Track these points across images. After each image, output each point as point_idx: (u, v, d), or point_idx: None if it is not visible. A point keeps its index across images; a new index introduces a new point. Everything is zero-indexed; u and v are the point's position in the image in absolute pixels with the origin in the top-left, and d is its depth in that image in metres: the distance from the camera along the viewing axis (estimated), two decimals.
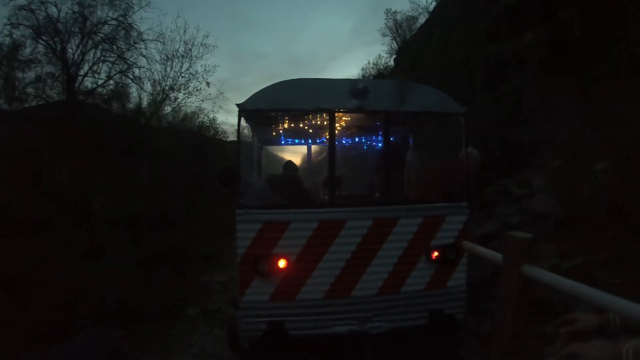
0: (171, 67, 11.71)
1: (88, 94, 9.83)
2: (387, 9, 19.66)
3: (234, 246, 2.77)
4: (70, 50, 9.38)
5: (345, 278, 2.76)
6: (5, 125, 6.89)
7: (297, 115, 3.55)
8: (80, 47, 9.46)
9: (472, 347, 3.07)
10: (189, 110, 13.85)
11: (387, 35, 19.27)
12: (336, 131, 3.56)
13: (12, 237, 4.63)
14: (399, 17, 18.50)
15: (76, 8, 9.24)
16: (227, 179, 2.98)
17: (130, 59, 10.44)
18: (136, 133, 9.61)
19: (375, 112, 3.10)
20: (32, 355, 0.68)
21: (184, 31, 13.68)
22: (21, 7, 8.65)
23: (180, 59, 11.86)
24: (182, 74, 11.88)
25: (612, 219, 3.24)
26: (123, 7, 10.03)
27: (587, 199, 3.66)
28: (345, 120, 3.90)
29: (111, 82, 10.34)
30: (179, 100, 12.13)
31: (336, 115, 3.15)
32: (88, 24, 9.48)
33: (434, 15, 14.74)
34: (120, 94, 10.72)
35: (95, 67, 9.82)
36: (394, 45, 19.06)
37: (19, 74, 8.73)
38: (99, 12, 9.73)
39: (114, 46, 10.03)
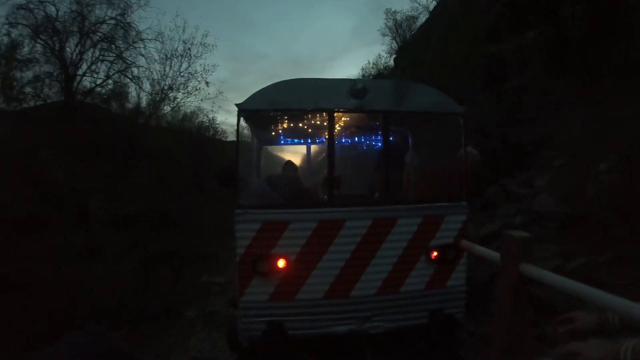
0: (170, 67, 11.73)
1: (86, 93, 9.80)
2: (387, 9, 19.69)
3: (234, 246, 2.77)
4: (68, 49, 9.38)
5: (345, 278, 2.76)
6: (3, 125, 6.86)
7: (296, 115, 3.55)
8: (79, 46, 9.44)
9: (472, 347, 3.06)
10: (188, 110, 13.84)
11: (387, 35, 19.31)
12: (335, 131, 3.56)
13: (10, 238, 4.61)
14: (398, 17, 18.54)
15: (74, 7, 9.22)
16: (227, 178, 2.98)
17: (129, 59, 10.46)
18: (135, 133, 9.58)
19: (375, 111, 3.10)
20: (32, 355, 0.67)
21: (183, 30, 13.74)
22: (20, 7, 8.64)
23: (179, 59, 11.88)
24: (181, 74, 11.90)
25: (616, 219, 3.21)
26: (121, 6, 10.05)
27: (590, 199, 3.63)
28: (344, 120, 3.90)
29: (110, 81, 10.35)
30: (178, 99, 12.12)
31: (335, 115, 3.15)
32: (86, 23, 9.45)
33: (434, 14, 14.75)
34: (119, 93, 10.70)
35: (93, 67, 9.84)
36: (394, 45, 19.09)
37: (17, 74, 8.71)
38: (97, 11, 9.73)
39: (113, 45, 10.03)
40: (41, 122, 7.39)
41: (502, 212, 4.60)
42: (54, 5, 9.05)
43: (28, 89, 8.81)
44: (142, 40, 10.63)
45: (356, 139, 5.33)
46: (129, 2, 10.13)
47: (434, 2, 15.29)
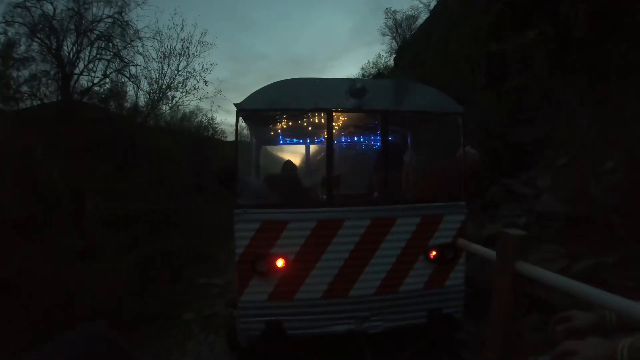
0: (168, 65, 11.65)
1: (84, 93, 9.75)
2: (386, 8, 19.73)
3: (233, 246, 2.77)
4: (65, 48, 9.31)
5: (344, 277, 2.76)
6: (0, 125, 6.82)
7: (295, 114, 3.55)
8: (76, 45, 9.38)
9: (472, 348, 3.06)
10: (187, 110, 13.81)
11: (387, 35, 19.35)
12: (334, 131, 3.56)
13: (7, 239, 4.59)
14: (398, 17, 18.57)
15: (71, 5, 9.17)
16: (226, 178, 2.99)
17: (127, 57, 10.39)
18: (133, 132, 9.55)
19: (373, 111, 3.11)
20: (32, 353, 0.67)
21: (181, 29, 13.63)
22: (16, 5, 8.59)
23: (178, 57, 11.80)
24: (180, 72, 11.82)
25: (620, 220, 3.18)
26: (119, 4, 9.98)
27: (594, 199, 3.60)
28: (343, 119, 3.90)
29: (107, 80, 10.27)
30: (176, 98, 12.07)
31: (334, 114, 3.15)
32: (83, 21, 9.40)
33: (434, 14, 14.76)
34: (117, 92, 10.65)
35: (90, 65, 9.75)
36: (394, 44, 19.12)
37: (14, 73, 8.66)
38: (94, 9, 9.65)
39: (110, 44, 9.96)
40: (38, 121, 7.36)
41: (504, 212, 4.56)
42: (51, 3, 9.02)
43: (25, 88, 8.78)
44: (140, 38, 10.60)
45: (355, 138, 5.33)
46: (126, 0, 10.11)
47: (434, 0, 15.31)
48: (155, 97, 11.57)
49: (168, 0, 12.84)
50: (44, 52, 9.00)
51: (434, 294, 2.89)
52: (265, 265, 2.69)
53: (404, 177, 4.46)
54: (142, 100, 11.62)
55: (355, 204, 2.97)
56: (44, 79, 8.94)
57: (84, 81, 9.84)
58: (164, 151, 10.42)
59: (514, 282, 1.45)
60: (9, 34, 8.65)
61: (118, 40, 10.10)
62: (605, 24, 4.98)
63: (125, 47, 10.26)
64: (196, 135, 13.66)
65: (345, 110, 3.11)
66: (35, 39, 8.92)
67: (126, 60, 10.35)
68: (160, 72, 11.56)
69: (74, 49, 9.38)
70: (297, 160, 5.17)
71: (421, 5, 17.19)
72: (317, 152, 5.78)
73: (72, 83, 9.36)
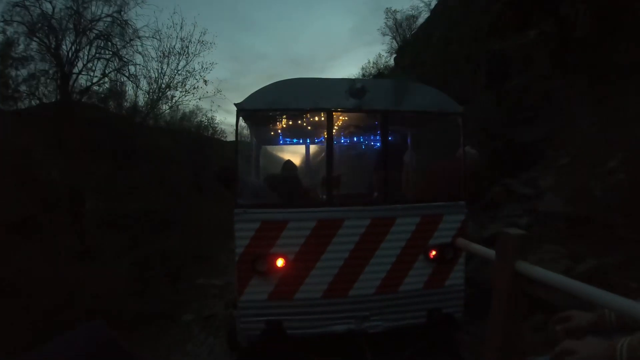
0: (167, 65, 11.62)
1: (83, 92, 9.70)
2: (387, 8, 19.72)
3: (232, 246, 2.77)
4: (64, 47, 9.25)
5: (343, 277, 2.77)
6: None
7: (295, 114, 3.55)
8: (75, 44, 9.31)
9: (472, 348, 3.06)
10: (187, 110, 13.78)
11: (387, 35, 19.36)
12: (334, 131, 3.56)
13: (6, 239, 4.57)
14: (399, 16, 18.58)
15: (70, 4, 9.11)
16: (226, 178, 2.99)
17: (126, 57, 10.33)
18: (132, 132, 9.52)
19: (373, 111, 3.11)
20: (31, 352, 0.67)
21: (181, 28, 13.59)
22: (15, 4, 8.54)
23: (177, 56, 11.78)
24: (179, 72, 11.78)
25: (624, 220, 3.15)
26: (118, 3, 9.92)
27: (597, 200, 3.57)
28: (343, 119, 3.90)
29: (106, 80, 10.21)
30: (175, 98, 12.02)
31: (334, 114, 3.15)
32: (82, 20, 9.35)
33: (434, 13, 14.75)
34: (116, 92, 10.61)
35: (90, 65, 9.69)
36: (394, 44, 19.13)
37: (13, 72, 8.61)
38: (93, 8, 9.59)
39: (109, 43, 9.90)
40: (37, 121, 7.33)
41: (505, 212, 4.52)
42: (50, 2, 8.96)
43: (23, 88, 8.73)
44: (139, 37, 10.54)
45: (355, 138, 5.34)
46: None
47: (435, 0, 15.31)
48: (155, 97, 11.56)
49: (167, 0, 12.80)
50: (42, 51, 8.96)
51: (433, 293, 2.89)
52: (265, 265, 2.69)
53: (404, 177, 4.46)
54: (141, 100, 11.61)
55: (355, 203, 2.97)
56: (42, 79, 8.91)
57: (82, 80, 9.80)
58: (163, 151, 10.39)
59: (513, 282, 1.46)
60: (8, 33, 8.63)
61: (117, 39, 10.07)
62: (606, 24, 4.96)
63: (124, 47, 10.24)
64: (196, 135, 13.63)
65: (345, 110, 3.11)
66: (34, 38, 8.88)
67: (125, 60, 10.32)
68: (160, 71, 11.55)
69: (73, 48, 9.35)
70: (297, 160, 5.17)
71: (421, 5, 17.19)
72: (317, 152, 5.79)
73: (71, 82, 9.31)
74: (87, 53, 9.62)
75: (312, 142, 5.61)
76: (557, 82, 5.42)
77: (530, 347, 2.19)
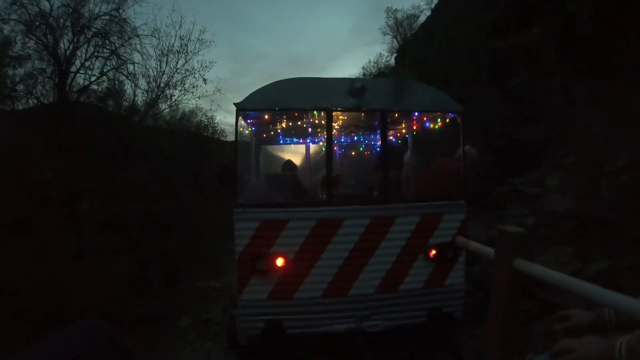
0: (166, 63, 11.54)
1: (81, 91, 9.65)
2: (387, 7, 19.73)
3: (232, 247, 2.77)
4: (62, 45, 9.15)
5: (343, 276, 2.77)
6: None
7: (294, 114, 3.56)
8: (73, 42, 9.21)
9: (472, 348, 3.05)
10: (186, 109, 13.75)
11: (388, 34, 19.35)
12: (334, 130, 3.56)
13: (1, 239, 4.53)
14: (399, 16, 18.58)
15: (67, 1, 9.04)
16: (226, 178, 2.99)
17: (124, 55, 10.24)
18: (131, 131, 9.47)
19: (373, 110, 3.11)
20: (29, 349, 0.66)
21: (180, 26, 13.44)
22: (13, 2, 8.45)
23: (176, 55, 11.68)
24: (178, 70, 11.71)
25: (635, 220, 3.09)
26: (116, 1, 9.79)
27: (605, 199, 3.51)
28: (343, 119, 3.90)
29: (104, 78, 10.14)
30: (175, 97, 11.95)
31: (334, 114, 3.15)
32: (80, 18, 9.27)
33: (435, 12, 14.73)
34: (114, 91, 10.55)
35: (88, 63, 9.60)
36: (395, 43, 19.12)
37: (10, 71, 8.53)
38: (91, 6, 9.47)
39: (107, 41, 9.80)
40: (34, 120, 7.28)
41: (511, 213, 4.48)
42: (48, 0, 8.89)
43: (21, 87, 8.60)
44: (137, 36, 10.44)
45: (355, 138, 5.34)
46: None
47: None
48: (154, 96, 11.51)
49: None
50: (40, 50, 8.85)
51: (433, 293, 2.89)
52: (265, 264, 2.69)
53: (404, 176, 4.47)
54: (140, 99, 11.55)
55: (355, 203, 2.97)
56: (40, 77, 8.84)
57: (80, 79, 9.72)
58: (163, 151, 10.36)
59: (512, 280, 1.45)
60: (5, 31, 8.51)
61: (115, 37, 9.97)
62: (612, 20, 4.90)
63: (122, 45, 10.13)
64: (196, 135, 13.62)
65: (344, 110, 3.11)
66: (32, 37, 8.77)
67: (123, 58, 10.24)
68: (159, 70, 11.48)
69: (71, 46, 9.25)
70: (296, 160, 5.18)
71: (422, 3, 17.18)
72: (316, 152, 5.79)
73: (68, 81, 9.24)
74: (85, 51, 9.55)
75: (312, 142, 5.61)
76: (562, 80, 5.37)
77: (531, 346, 2.18)
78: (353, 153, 6.06)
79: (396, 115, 3.82)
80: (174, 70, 11.67)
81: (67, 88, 9.14)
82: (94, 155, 7.39)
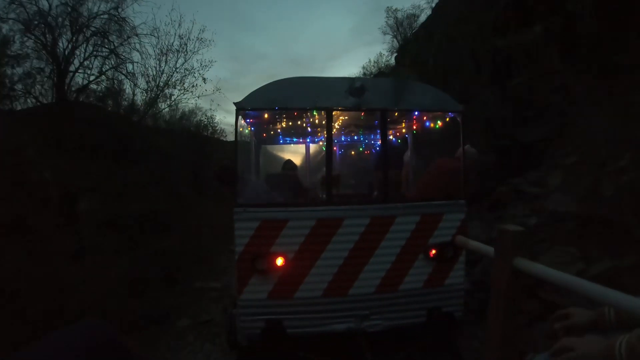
0: (166, 62, 11.48)
1: (80, 90, 9.60)
2: (387, 7, 19.75)
3: (232, 247, 2.77)
4: (60, 44, 9.10)
5: (343, 276, 2.77)
6: None
7: (294, 113, 3.55)
8: (72, 41, 9.15)
9: (473, 348, 3.05)
10: (186, 109, 13.72)
11: (388, 34, 19.37)
12: (334, 130, 3.56)
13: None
14: (399, 15, 18.60)
15: (66, 0, 9.01)
16: (226, 177, 2.98)
17: (123, 54, 10.19)
18: (130, 131, 9.44)
19: (373, 110, 3.11)
20: (28, 348, 0.66)
21: (179, 25, 13.40)
22: (11, 1, 8.41)
23: (175, 54, 11.62)
24: (177, 70, 11.66)
25: (636, 220, 3.06)
26: (115, 0, 9.84)
27: (608, 199, 3.48)
28: (343, 118, 3.90)
29: (103, 77, 10.08)
30: (174, 96, 11.89)
31: (334, 113, 3.15)
32: (79, 17, 9.23)
33: (435, 11, 14.73)
34: (113, 90, 10.50)
35: (86, 63, 9.54)
36: (395, 43, 19.14)
37: (8, 70, 8.47)
38: (90, 5, 9.42)
39: (106, 40, 9.75)
40: (32, 120, 7.25)
41: (512, 212, 4.46)
42: None
43: (19, 86, 8.54)
44: (137, 35, 10.38)
45: (355, 137, 5.34)
46: None
47: None
48: (153, 95, 11.45)
49: None
50: (38, 49, 8.80)
51: (433, 292, 2.89)
52: (265, 264, 2.69)
53: (404, 176, 4.47)
54: (139, 98, 11.48)
55: (355, 202, 2.97)
56: (38, 77, 8.78)
57: (79, 79, 9.66)
58: (162, 150, 10.33)
59: (512, 278, 1.45)
60: (3, 30, 8.44)
61: (114, 36, 9.91)
62: (612, 20, 4.89)
63: (121, 44, 10.08)
64: (195, 135, 13.59)
65: (344, 109, 3.11)
66: (30, 36, 8.71)
67: (123, 57, 10.18)
68: (158, 69, 11.42)
69: (70, 45, 9.19)
70: (296, 159, 5.18)
71: (423, 2, 17.20)
72: (316, 151, 5.79)
73: (67, 81, 9.18)
74: (83, 51, 9.49)
75: (312, 141, 5.61)
76: (562, 80, 5.36)
77: (531, 345, 2.18)
78: (353, 153, 6.07)
79: (396, 114, 3.82)
80: (174, 69, 11.64)
81: (65, 87, 9.10)
82: (93, 155, 7.37)
